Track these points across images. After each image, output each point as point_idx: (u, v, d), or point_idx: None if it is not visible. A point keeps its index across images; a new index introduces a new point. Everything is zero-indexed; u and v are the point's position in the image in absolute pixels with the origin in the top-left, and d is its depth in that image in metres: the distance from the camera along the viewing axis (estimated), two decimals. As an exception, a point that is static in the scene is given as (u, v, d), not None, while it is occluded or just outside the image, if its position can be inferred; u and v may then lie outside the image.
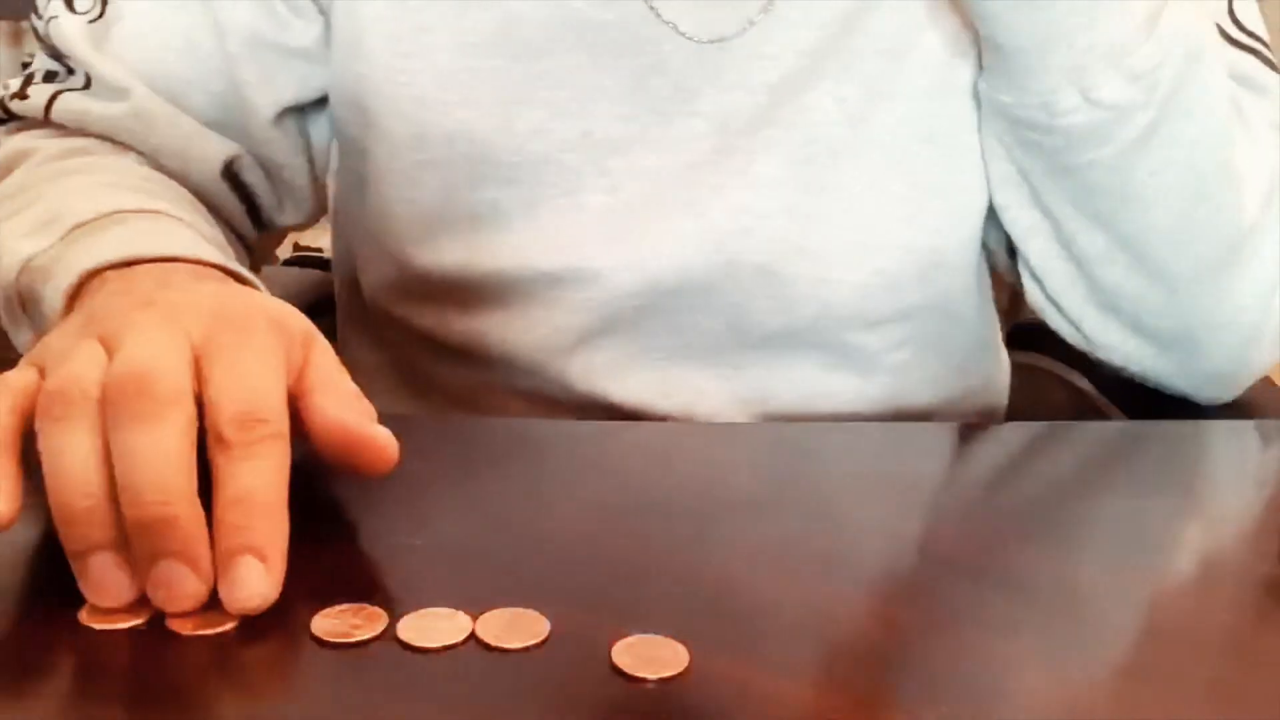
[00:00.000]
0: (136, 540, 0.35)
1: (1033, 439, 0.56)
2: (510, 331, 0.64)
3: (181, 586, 0.35)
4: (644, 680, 0.34)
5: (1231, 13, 0.63)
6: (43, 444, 0.36)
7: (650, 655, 0.35)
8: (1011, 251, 0.64)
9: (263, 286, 0.48)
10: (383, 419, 0.41)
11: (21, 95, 0.65)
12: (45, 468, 0.36)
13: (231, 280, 0.47)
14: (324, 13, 0.63)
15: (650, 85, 0.61)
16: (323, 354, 0.42)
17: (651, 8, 0.60)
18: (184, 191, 0.61)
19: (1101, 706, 0.34)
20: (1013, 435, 0.57)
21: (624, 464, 0.50)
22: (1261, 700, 0.34)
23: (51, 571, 0.37)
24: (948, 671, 0.35)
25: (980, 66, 0.60)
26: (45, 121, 0.64)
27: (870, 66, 0.61)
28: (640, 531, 0.43)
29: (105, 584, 0.36)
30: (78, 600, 0.36)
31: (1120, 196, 0.58)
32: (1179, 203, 0.58)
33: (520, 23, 0.60)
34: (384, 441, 0.40)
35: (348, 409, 0.41)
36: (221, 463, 0.36)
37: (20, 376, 0.39)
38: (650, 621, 0.37)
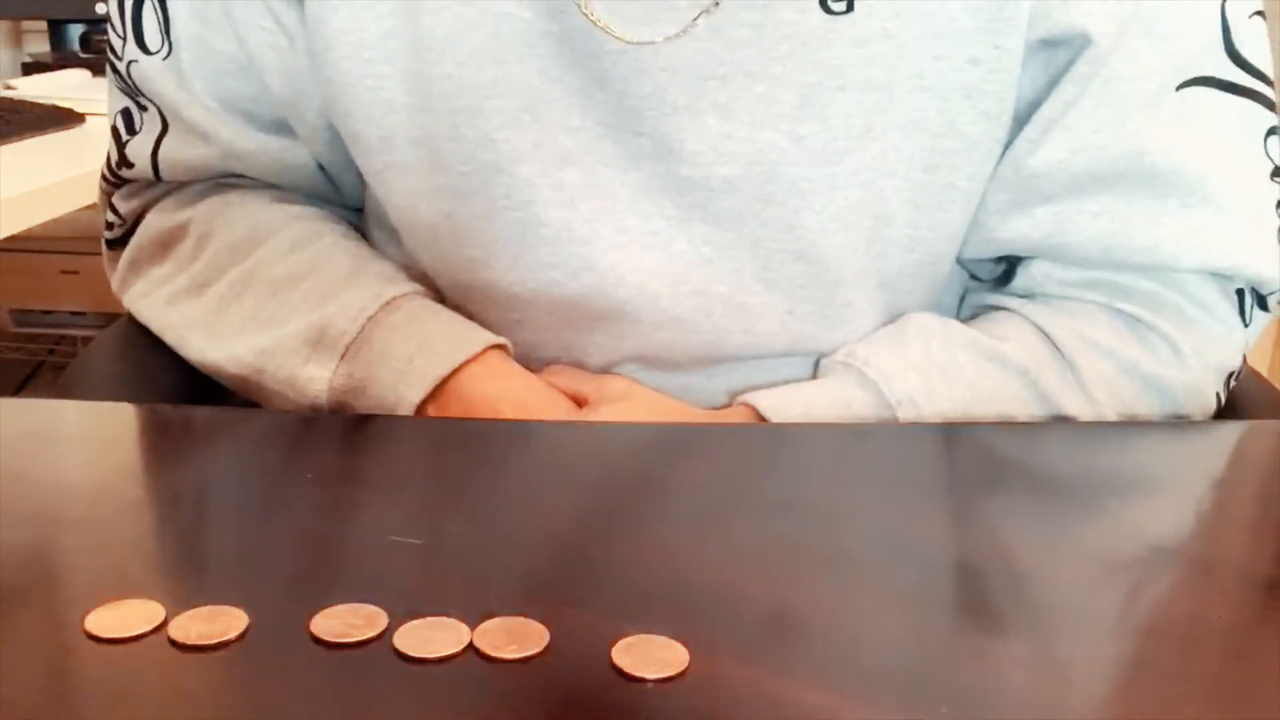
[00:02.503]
0: None
1: (1028, 440, 0.56)
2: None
3: None
4: (644, 680, 0.34)
5: (1230, 46, 0.59)
6: None
7: (650, 655, 0.35)
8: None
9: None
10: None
11: (126, 163, 0.68)
12: None
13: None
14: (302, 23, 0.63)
15: (595, 98, 0.58)
16: None
17: (583, 12, 0.57)
18: (343, 229, 0.68)
19: (1102, 706, 0.34)
20: (1008, 437, 0.57)
21: (624, 465, 0.50)
22: (1261, 700, 0.34)
23: (55, 578, 0.37)
24: (948, 672, 0.35)
25: None
26: (156, 180, 0.68)
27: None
28: (640, 532, 0.43)
29: None
30: (82, 608, 0.36)
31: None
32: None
33: (469, 30, 0.58)
34: None
35: None
36: None
37: None
38: (650, 621, 0.37)
